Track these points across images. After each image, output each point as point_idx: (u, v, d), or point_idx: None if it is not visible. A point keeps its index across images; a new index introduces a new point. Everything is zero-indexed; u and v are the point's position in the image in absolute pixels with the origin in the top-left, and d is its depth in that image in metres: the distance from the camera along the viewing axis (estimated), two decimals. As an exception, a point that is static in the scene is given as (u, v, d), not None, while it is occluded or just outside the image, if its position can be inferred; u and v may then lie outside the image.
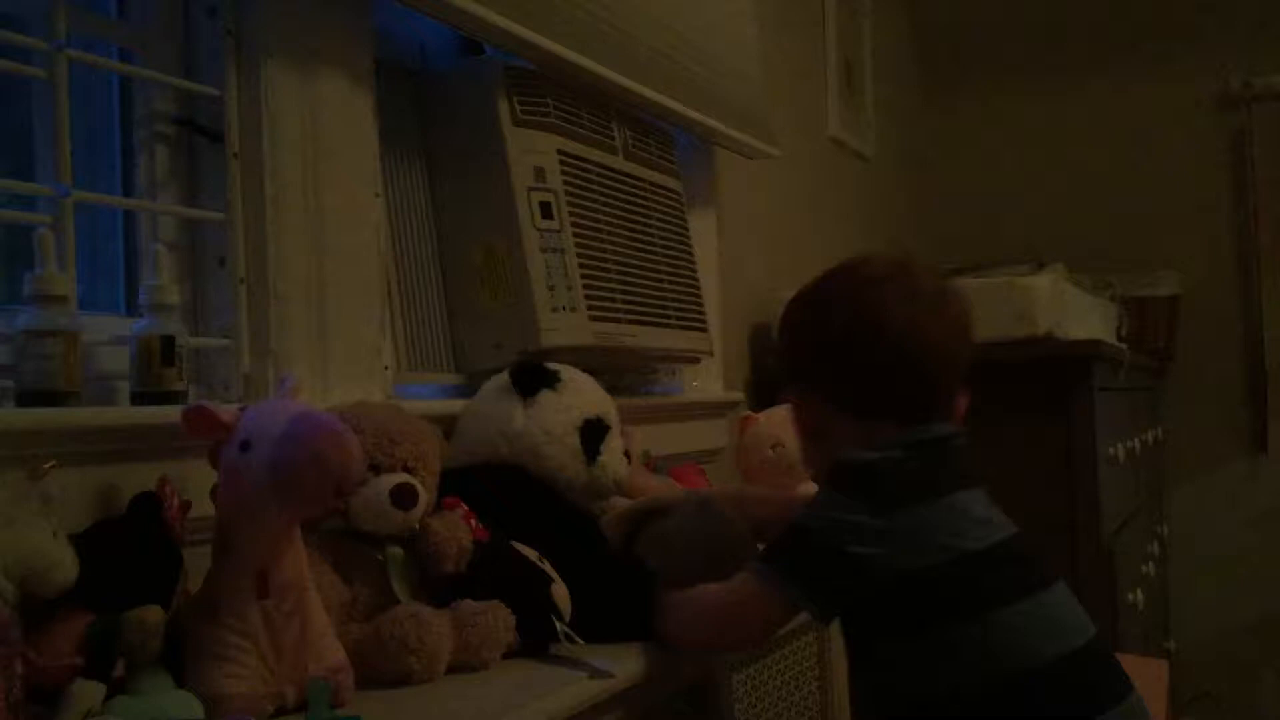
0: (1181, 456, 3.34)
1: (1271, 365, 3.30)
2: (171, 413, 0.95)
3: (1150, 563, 2.67)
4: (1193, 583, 3.29)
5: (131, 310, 1.19)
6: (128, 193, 1.21)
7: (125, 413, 1.04)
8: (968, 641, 1.04)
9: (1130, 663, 1.87)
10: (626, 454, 1.37)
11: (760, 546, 1.31)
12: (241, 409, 0.92)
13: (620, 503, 1.33)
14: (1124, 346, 2.46)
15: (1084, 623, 1.10)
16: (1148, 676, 1.83)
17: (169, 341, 1.04)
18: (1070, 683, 1.06)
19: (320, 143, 1.25)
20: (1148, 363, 2.99)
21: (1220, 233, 3.39)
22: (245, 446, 0.89)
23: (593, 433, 1.30)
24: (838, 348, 1.15)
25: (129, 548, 0.88)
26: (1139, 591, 2.33)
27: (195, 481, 0.96)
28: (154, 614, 0.84)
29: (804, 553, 1.07)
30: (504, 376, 1.33)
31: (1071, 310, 2.16)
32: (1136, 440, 2.57)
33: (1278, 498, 3.29)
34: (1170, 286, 3.23)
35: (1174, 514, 3.33)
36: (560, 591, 1.12)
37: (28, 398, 0.96)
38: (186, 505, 0.95)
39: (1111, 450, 2.20)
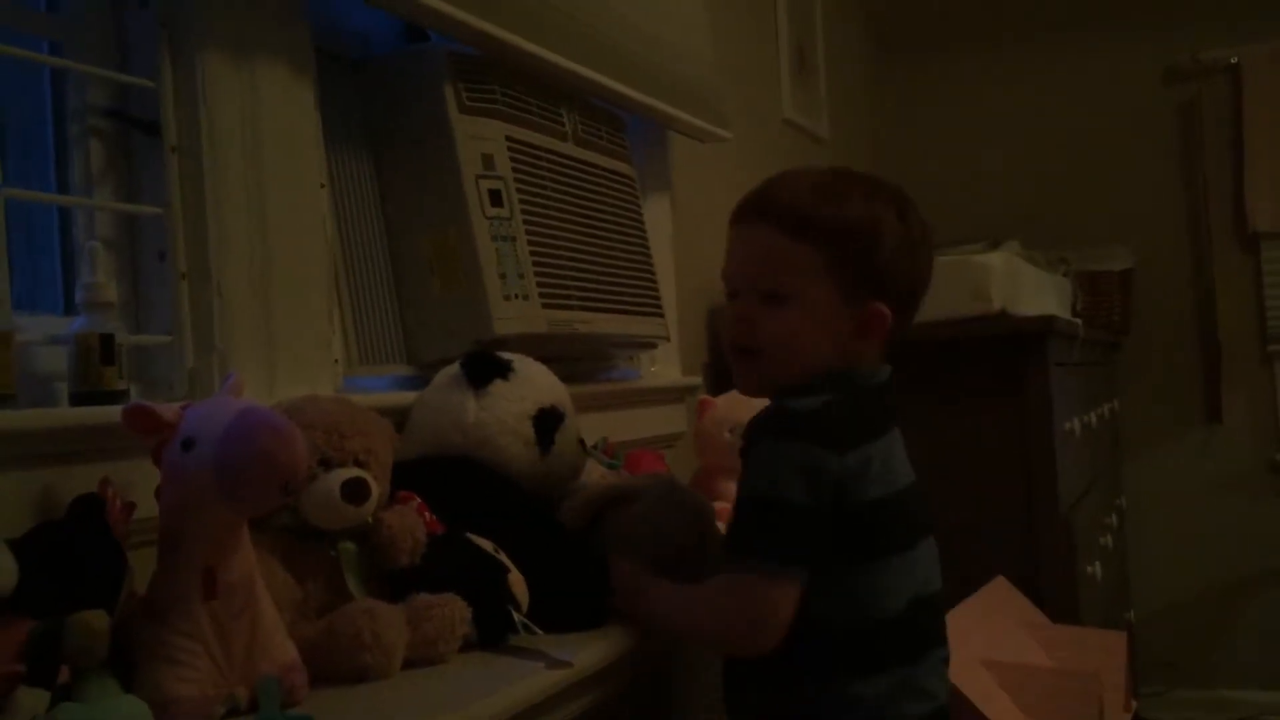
0: (1137, 429, 3.38)
1: (1224, 336, 3.34)
2: (112, 413, 0.93)
3: (1108, 535, 2.70)
4: (1151, 554, 3.33)
5: (70, 310, 1.16)
6: (62, 189, 1.19)
7: (64, 414, 1.02)
8: (900, 571, 1.08)
9: (1090, 635, 1.89)
10: (581, 442, 1.36)
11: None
12: (184, 407, 0.91)
13: (582, 488, 1.32)
14: (1078, 322, 2.48)
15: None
16: (1107, 648, 1.85)
17: (108, 340, 1.02)
18: (936, 618, 1.13)
19: (261, 133, 1.23)
20: (1102, 337, 3.01)
21: (1172, 206, 3.42)
22: (188, 445, 0.87)
23: (547, 422, 1.29)
24: (923, 268, 1.15)
25: (70, 551, 0.86)
26: (1098, 564, 2.35)
27: (139, 482, 0.94)
28: (98, 618, 0.82)
29: (787, 525, 1.04)
30: (456, 367, 1.31)
31: (1025, 287, 2.18)
32: (1093, 414, 2.59)
33: (1232, 467, 3.33)
34: (1123, 261, 3.26)
35: (1131, 486, 3.37)
36: (517, 582, 1.11)
37: (-39, 401, 0.93)
38: (130, 506, 0.93)
39: (1068, 425, 2.22)
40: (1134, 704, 1.93)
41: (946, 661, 1.12)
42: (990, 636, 1.71)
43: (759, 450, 1.07)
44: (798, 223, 1.09)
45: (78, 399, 1.02)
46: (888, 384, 1.13)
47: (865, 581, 1.06)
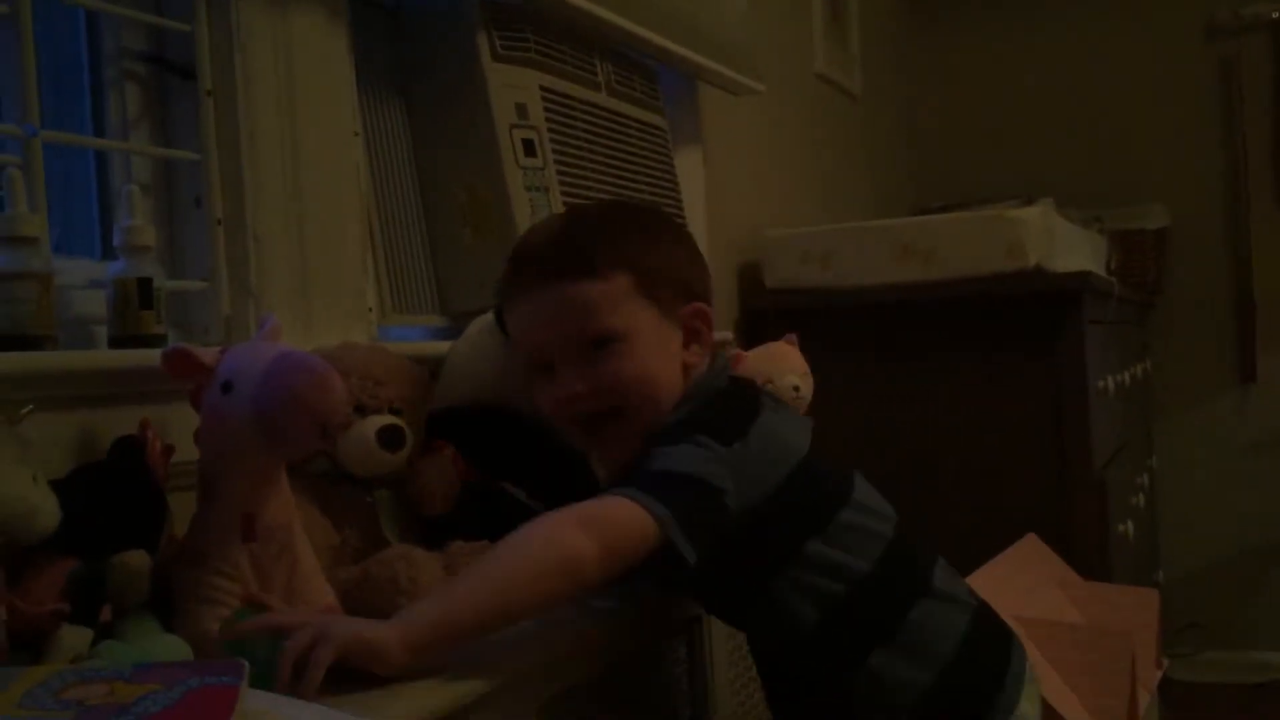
0: (1170, 388, 3.35)
1: (1259, 296, 3.29)
2: (151, 356, 0.93)
3: (1140, 494, 2.68)
4: (1181, 515, 3.30)
5: (107, 255, 1.17)
6: (99, 133, 1.18)
7: (103, 356, 1.02)
8: (853, 523, 1.03)
9: (1121, 593, 1.88)
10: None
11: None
12: (222, 350, 0.91)
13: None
14: (1113, 279, 2.44)
15: None
16: (1139, 605, 1.84)
17: (146, 284, 1.02)
18: (911, 543, 1.07)
19: (295, 79, 1.22)
20: (1136, 296, 2.98)
21: (1209, 164, 3.36)
22: (227, 388, 0.87)
23: (581, 372, 1.28)
24: (705, 265, 1.14)
25: (111, 492, 0.87)
26: (1129, 523, 2.33)
27: (177, 425, 0.95)
28: (139, 558, 0.83)
29: (672, 484, 0.93)
30: (489, 317, 1.31)
31: (1061, 243, 2.15)
32: (1126, 373, 2.57)
33: (1265, 428, 3.30)
34: (1158, 219, 3.22)
35: (1162, 446, 3.34)
36: (551, 530, 1.11)
37: (1, 342, 0.93)
38: (169, 449, 0.94)
39: (1101, 383, 2.20)
40: (1164, 662, 1.92)
41: (947, 566, 1.08)
42: (1021, 593, 1.70)
43: (652, 452, 0.97)
44: (590, 261, 1.03)
45: (116, 342, 1.03)
46: (726, 368, 1.11)
47: (838, 538, 1.01)
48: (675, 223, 1.14)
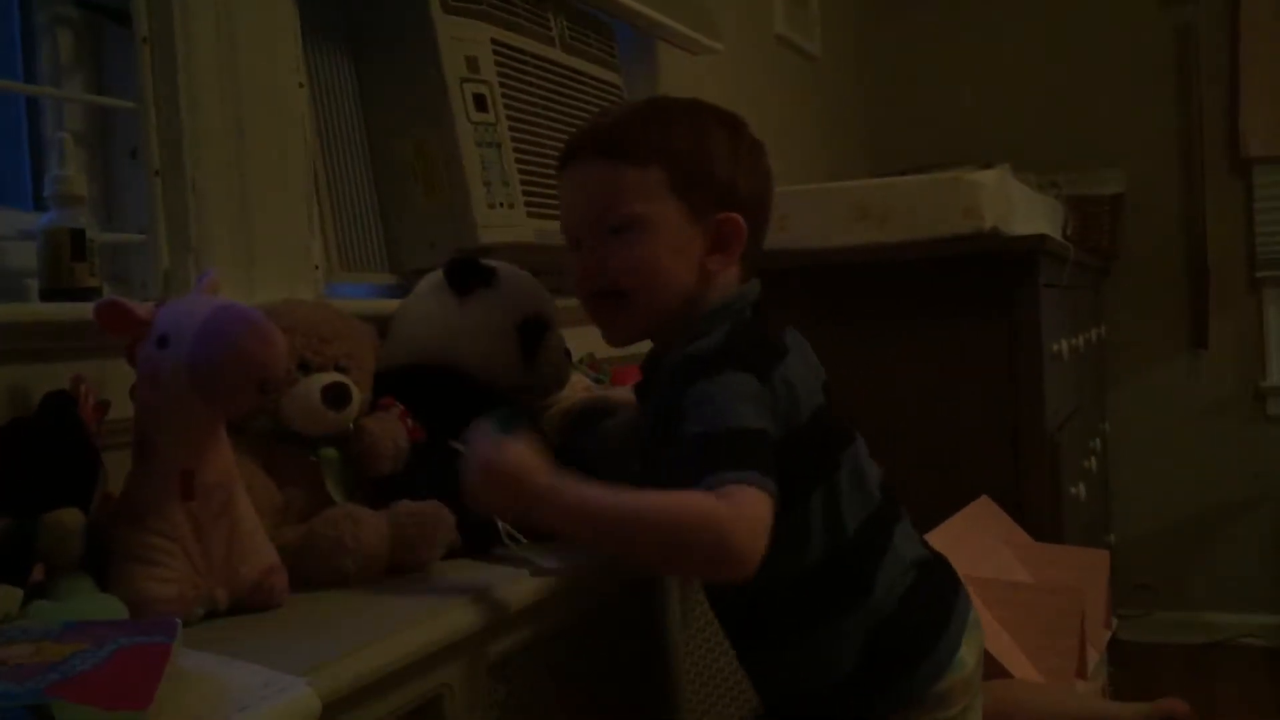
0: (1123, 354, 3.38)
1: (1212, 262, 3.33)
2: (84, 309, 0.91)
3: (1092, 458, 2.70)
4: (1132, 478, 3.34)
5: (39, 206, 1.13)
6: (30, 80, 1.14)
7: (34, 309, 0.99)
8: (854, 472, 1.06)
9: (1072, 553, 1.90)
10: (567, 351, 1.33)
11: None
12: (158, 304, 0.88)
13: (565, 399, 1.30)
14: (1069, 244, 2.45)
15: None
16: (1089, 566, 1.85)
17: (79, 235, 0.99)
18: (892, 494, 1.10)
19: (237, 27, 1.19)
20: (1092, 261, 3.00)
21: (1165, 130, 3.38)
22: (163, 342, 0.85)
23: (531, 330, 1.27)
24: (764, 179, 1.13)
25: (42, 448, 0.84)
26: (1081, 485, 2.35)
27: (114, 382, 0.92)
28: (72, 516, 0.81)
29: (757, 447, 0.93)
30: (439, 274, 1.28)
31: (1017, 206, 2.14)
32: (1080, 338, 2.58)
33: (1216, 394, 3.34)
34: (1114, 185, 3.23)
35: (1115, 411, 3.37)
36: (501, 489, 1.09)
37: (-73, 294, 0.91)
38: (104, 405, 0.91)
39: (1055, 346, 2.20)
40: (1113, 623, 1.94)
41: (906, 523, 1.11)
42: (973, 553, 1.71)
43: (694, 392, 0.96)
44: (631, 147, 1.05)
45: (48, 295, 1.00)
46: (760, 300, 1.10)
47: (836, 496, 1.03)
48: (738, 128, 1.13)
